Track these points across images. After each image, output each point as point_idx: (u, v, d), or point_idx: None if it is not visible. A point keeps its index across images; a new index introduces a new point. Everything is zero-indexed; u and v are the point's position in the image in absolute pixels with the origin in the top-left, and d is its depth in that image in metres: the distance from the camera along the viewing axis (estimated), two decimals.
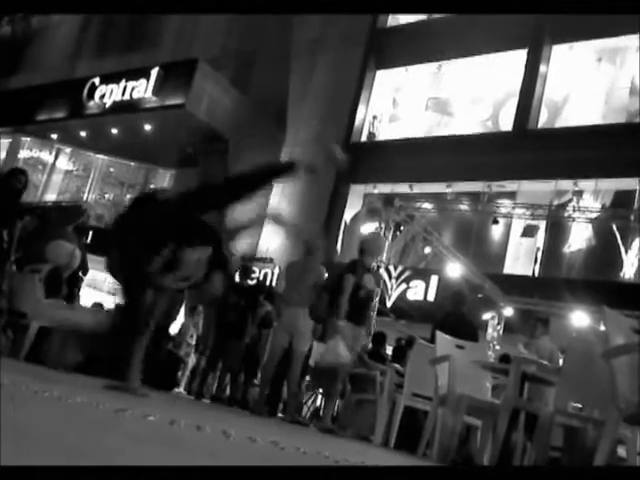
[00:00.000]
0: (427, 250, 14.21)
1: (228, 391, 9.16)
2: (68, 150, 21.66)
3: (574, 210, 13.25)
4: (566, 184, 14.68)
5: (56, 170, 22.16)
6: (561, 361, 5.71)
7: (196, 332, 10.45)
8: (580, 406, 4.49)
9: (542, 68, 15.56)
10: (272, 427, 4.50)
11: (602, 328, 4.11)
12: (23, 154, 22.14)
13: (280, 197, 17.87)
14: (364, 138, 17.97)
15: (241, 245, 17.29)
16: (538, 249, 14.75)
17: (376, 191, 17.32)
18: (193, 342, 10.38)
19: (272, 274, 16.11)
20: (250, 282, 15.36)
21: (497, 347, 12.43)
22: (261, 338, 8.53)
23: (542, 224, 14.60)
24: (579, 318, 11.13)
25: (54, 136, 20.35)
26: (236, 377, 8.75)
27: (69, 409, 1.77)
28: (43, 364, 6.70)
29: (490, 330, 13.06)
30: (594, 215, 12.98)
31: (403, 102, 18.06)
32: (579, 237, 14.37)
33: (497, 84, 16.44)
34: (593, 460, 3.47)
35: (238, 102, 17.23)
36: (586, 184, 14.45)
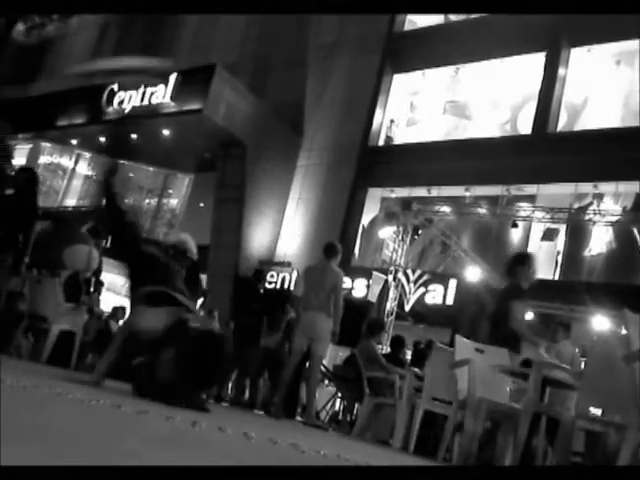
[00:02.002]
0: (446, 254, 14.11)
1: (247, 394, 9.18)
2: (88, 155, 21.87)
3: (594, 213, 13.12)
4: (586, 187, 14.55)
5: (76, 175, 22.38)
6: (582, 365, 5.66)
7: None
8: (600, 411, 4.44)
9: (561, 71, 15.44)
10: (291, 430, 4.50)
11: (623, 332, 4.06)
12: (43, 160, 22.39)
13: (297, 201, 17.90)
14: (381, 142, 17.94)
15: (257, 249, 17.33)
16: (558, 253, 14.62)
17: (393, 195, 17.28)
18: None
19: (290, 278, 16.12)
20: (268, 286, 15.45)
21: None
22: (285, 343, 8.53)
23: (562, 227, 14.48)
24: (600, 322, 11.02)
25: (74, 142, 20.54)
26: (255, 381, 8.76)
27: (92, 411, 1.79)
28: (64, 367, 6.76)
29: None
30: (614, 218, 12.84)
31: (420, 106, 18.02)
32: (600, 240, 14.22)
33: (515, 87, 16.35)
34: (615, 465, 3.42)
35: (255, 107, 17.29)
36: (606, 187, 14.32)
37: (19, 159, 21.13)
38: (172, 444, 1.44)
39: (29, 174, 6.63)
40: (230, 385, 9.35)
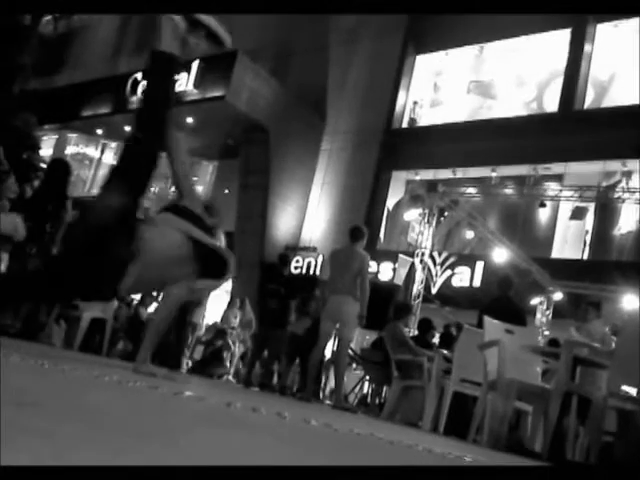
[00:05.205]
0: (472, 235, 13.98)
1: (276, 378, 9.27)
2: (113, 145, 22.06)
3: (623, 191, 12.93)
4: (614, 165, 14.34)
5: (102, 165, 22.61)
6: (614, 344, 5.62)
7: (236, 323, 10.61)
8: (632, 389, 4.41)
9: (587, 47, 15.18)
10: (322, 412, 4.55)
11: None
12: (70, 150, 22.64)
13: (322, 186, 17.89)
14: (405, 124, 17.83)
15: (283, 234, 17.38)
16: (587, 232, 14.45)
17: (418, 177, 17.19)
18: (234, 332, 10.53)
19: (316, 263, 16.16)
20: (293, 271, 15.52)
21: (546, 332, 12.26)
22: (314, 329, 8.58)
23: (591, 206, 14.30)
24: (630, 301, 10.91)
25: (99, 132, 20.74)
26: (287, 368, 8.85)
27: (130, 392, 1.83)
28: (96, 354, 6.88)
29: (539, 315, 12.89)
30: None
31: (444, 86, 17.85)
32: (629, 219, 14.02)
33: (541, 65, 16.11)
34: None
35: (278, 92, 17.28)
36: (635, 164, 14.07)
37: (46, 150, 21.38)
38: (210, 423, 1.47)
39: (60, 165, 6.71)
40: (257, 368, 9.44)
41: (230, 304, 11.15)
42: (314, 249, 16.63)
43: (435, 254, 13.71)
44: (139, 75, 17.88)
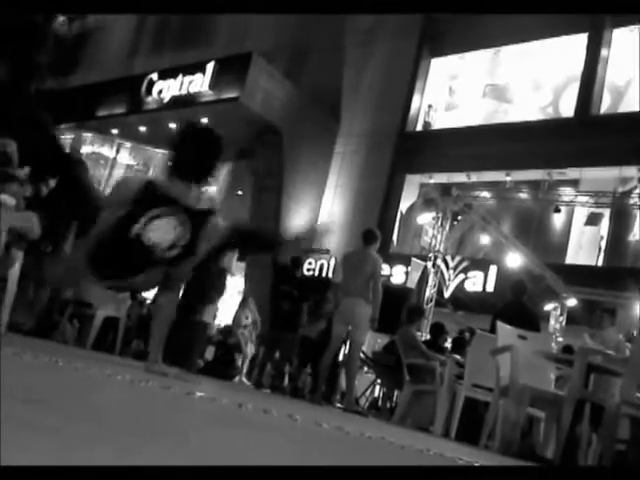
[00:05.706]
0: (485, 240, 13.91)
1: (286, 380, 9.26)
2: (128, 145, 22.16)
3: (639, 197, 12.82)
4: (630, 171, 14.21)
5: (117, 165, 22.71)
6: (628, 352, 5.56)
7: (248, 322, 10.61)
8: None
9: (603, 52, 15.07)
10: (333, 415, 4.54)
11: None
12: (85, 149, 22.75)
13: (335, 188, 17.87)
14: (419, 127, 17.79)
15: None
16: (602, 238, 14.34)
17: (432, 181, 17.14)
18: (246, 332, 10.53)
19: (328, 265, 16.14)
20: (306, 273, 15.51)
21: (560, 339, 12.17)
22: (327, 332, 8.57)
23: (606, 212, 14.19)
24: None
25: (115, 131, 20.84)
26: (299, 370, 8.85)
27: (142, 391, 1.83)
28: (109, 353, 6.91)
29: (552, 321, 12.80)
30: None
31: (460, 90, 17.79)
32: None
33: (557, 69, 16.02)
34: None
35: (292, 94, 17.29)
36: None
37: None
38: (221, 423, 1.47)
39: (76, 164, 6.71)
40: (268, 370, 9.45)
41: (242, 304, 11.17)
42: (327, 251, 16.61)
43: (448, 258, 13.66)
44: (155, 75, 17.98)
